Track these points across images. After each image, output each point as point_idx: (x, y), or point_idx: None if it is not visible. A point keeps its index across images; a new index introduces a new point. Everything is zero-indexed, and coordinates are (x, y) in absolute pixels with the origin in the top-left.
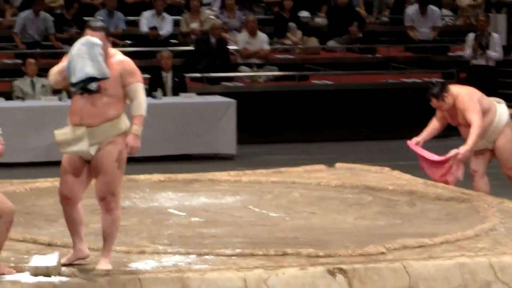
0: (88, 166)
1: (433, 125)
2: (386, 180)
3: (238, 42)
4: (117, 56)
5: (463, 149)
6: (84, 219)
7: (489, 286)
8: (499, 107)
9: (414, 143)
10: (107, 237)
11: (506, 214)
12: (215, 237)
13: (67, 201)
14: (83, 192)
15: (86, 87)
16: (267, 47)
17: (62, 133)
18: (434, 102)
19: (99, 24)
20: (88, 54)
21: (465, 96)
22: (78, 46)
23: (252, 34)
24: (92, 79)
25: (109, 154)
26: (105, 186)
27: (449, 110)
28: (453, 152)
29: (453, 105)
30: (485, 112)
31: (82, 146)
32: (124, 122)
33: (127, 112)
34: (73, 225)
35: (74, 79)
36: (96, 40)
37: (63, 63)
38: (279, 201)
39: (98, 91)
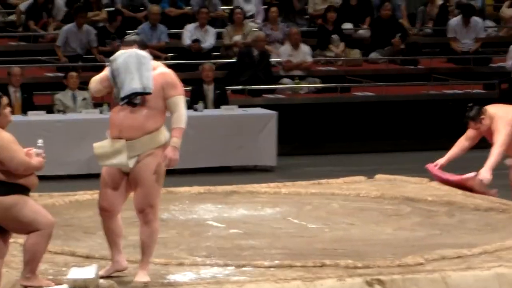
0: (127, 178)
1: (461, 145)
2: (425, 191)
3: (281, 54)
4: (159, 68)
5: (483, 173)
6: (123, 231)
7: None
8: None
9: (434, 166)
10: (145, 249)
11: None
12: (253, 249)
13: (106, 213)
14: (122, 204)
15: (131, 101)
16: (309, 59)
17: (101, 146)
18: (472, 125)
19: (132, 38)
20: (135, 67)
21: (500, 118)
22: (126, 59)
23: (295, 46)
24: (137, 93)
25: (147, 166)
26: (143, 198)
27: (486, 131)
28: (471, 174)
29: (490, 126)
30: None
31: (121, 159)
32: (164, 135)
33: (167, 124)
34: (111, 237)
35: (122, 94)
36: (144, 53)
37: (104, 72)
38: (318, 212)
39: (141, 104)
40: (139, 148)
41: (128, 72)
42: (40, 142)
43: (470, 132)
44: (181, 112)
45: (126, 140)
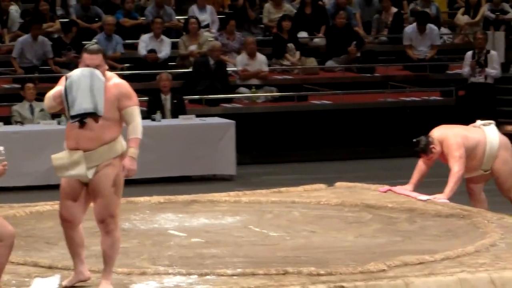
0: (86, 188)
1: (421, 170)
2: (385, 198)
3: (237, 63)
4: (114, 79)
5: (440, 198)
6: (85, 241)
7: None
8: (488, 132)
9: (384, 190)
10: (108, 259)
11: (506, 230)
12: (216, 257)
13: (68, 224)
14: (83, 214)
15: (82, 120)
16: (266, 68)
17: (59, 157)
18: (424, 157)
19: (97, 47)
20: (89, 87)
21: (449, 141)
22: (80, 77)
23: (251, 55)
24: (87, 114)
25: (106, 176)
26: (103, 208)
27: (440, 156)
28: (431, 197)
29: (442, 151)
30: (473, 148)
31: (80, 170)
32: (121, 144)
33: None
34: (73, 247)
35: (72, 112)
36: (100, 76)
37: (58, 87)
38: (279, 220)
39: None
40: (97, 158)
41: (80, 91)
42: (1, 148)
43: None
44: (137, 122)
45: (84, 151)
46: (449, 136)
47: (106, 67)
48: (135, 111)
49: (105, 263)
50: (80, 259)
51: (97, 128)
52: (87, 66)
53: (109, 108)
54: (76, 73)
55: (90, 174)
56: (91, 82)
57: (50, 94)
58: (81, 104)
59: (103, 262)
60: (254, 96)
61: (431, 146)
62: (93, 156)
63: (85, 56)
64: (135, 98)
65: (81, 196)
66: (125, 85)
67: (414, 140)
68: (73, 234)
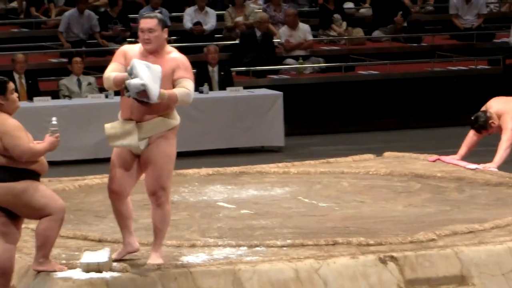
0: (138, 160)
1: (470, 141)
2: (434, 167)
3: (280, 35)
4: (174, 53)
5: (489, 166)
6: (133, 213)
7: None
8: None
9: (433, 159)
10: (158, 232)
11: None
12: (265, 229)
13: (115, 196)
14: (132, 186)
15: (138, 98)
16: (310, 37)
17: (112, 127)
18: (484, 133)
19: (153, 13)
20: (149, 72)
21: (506, 113)
22: (142, 67)
23: (293, 27)
24: (142, 91)
25: (158, 148)
26: (155, 180)
27: (499, 129)
28: (480, 166)
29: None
30: None
31: (132, 140)
32: (175, 118)
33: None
34: (122, 220)
35: (131, 94)
36: (159, 68)
37: (115, 65)
38: (328, 191)
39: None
40: (150, 130)
41: (143, 71)
42: (54, 120)
43: None
44: (186, 88)
45: (137, 122)
46: (506, 108)
47: (164, 35)
48: (188, 82)
49: (155, 236)
50: (128, 231)
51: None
52: (141, 30)
53: (165, 82)
54: (138, 64)
55: (142, 145)
56: (151, 73)
57: (111, 76)
58: (140, 81)
59: (153, 234)
60: (301, 67)
61: (490, 121)
62: (146, 127)
63: (140, 21)
64: (191, 72)
65: (132, 168)
66: (182, 58)
67: (472, 117)
68: (120, 207)
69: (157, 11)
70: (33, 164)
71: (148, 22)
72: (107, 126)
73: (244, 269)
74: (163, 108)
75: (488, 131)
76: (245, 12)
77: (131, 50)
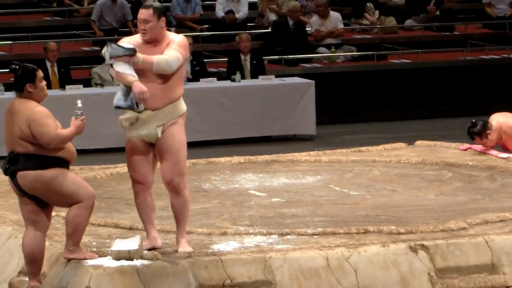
0: (153, 149)
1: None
2: (465, 156)
3: (311, 24)
4: (171, 35)
5: None
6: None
7: None
8: None
9: (464, 148)
10: (181, 219)
11: None
12: (296, 217)
13: (142, 186)
14: (153, 175)
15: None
16: (341, 25)
17: (127, 118)
18: (477, 141)
19: (149, 3)
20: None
21: (508, 126)
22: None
23: (324, 16)
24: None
25: (173, 135)
26: (173, 166)
27: (498, 143)
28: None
29: (499, 138)
30: None
31: (150, 129)
32: (183, 103)
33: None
34: (146, 212)
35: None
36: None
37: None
38: (360, 179)
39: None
40: (164, 117)
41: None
42: (79, 103)
43: None
44: (167, 55)
45: (152, 110)
46: (506, 121)
47: (161, 24)
48: (170, 50)
49: (179, 223)
50: (153, 225)
51: (163, 87)
52: (139, 21)
53: None
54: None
55: (159, 132)
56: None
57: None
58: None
59: (176, 222)
60: (333, 55)
61: (487, 131)
62: (160, 115)
63: (140, 11)
64: (182, 47)
65: (150, 157)
66: (176, 36)
67: (473, 120)
68: (146, 197)
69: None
70: (61, 152)
71: (144, 12)
72: (122, 118)
73: (274, 257)
74: (173, 94)
75: (482, 141)
76: (278, 1)
77: (133, 41)
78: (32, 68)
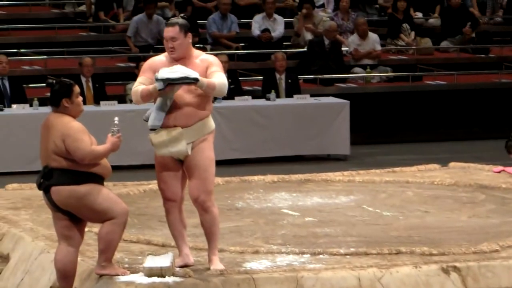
0: (182, 166)
1: None
2: (499, 179)
3: (349, 44)
4: (203, 55)
5: None
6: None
7: None
8: None
9: (498, 170)
10: (211, 236)
11: None
12: (329, 237)
13: (173, 203)
14: (183, 192)
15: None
16: (378, 47)
17: (158, 135)
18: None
19: (175, 20)
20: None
21: None
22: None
23: (363, 36)
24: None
25: (203, 152)
26: (201, 184)
27: None
28: None
29: None
30: None
31: (181, 147)
32: (212, 121)
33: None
34: (178, 229)
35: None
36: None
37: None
38: (393, 200)
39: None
40: (194, 135)
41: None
42: (116, 120)
43: None
44: (221, 78)
45: (182, 127)
46: None
47: (188, 40)
48: (222, 74)
49: (209, 241)
50: (185, 242)
51: (193, 104)
52: (165, 39)
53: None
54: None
55: (189, 150)
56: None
57: (139, 91)
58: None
59: (206, 240)
60: (369, 76)
61: None
62: (190, 132)
63: (164, 29)
64: (222, 68)
65: (179, 175)
66: (213, 58)
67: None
68: (177, 214)
69: (182, 16)
70: (96, 167)
71: (170, 30)
72: (153, 135)
73: (306, 276)
74: (203, 112)
75: None
76: (314, 20)
77: (157, 61)
78: (69, 83)
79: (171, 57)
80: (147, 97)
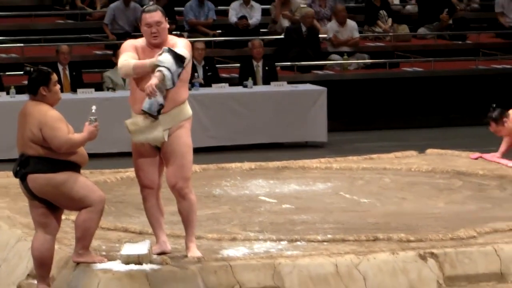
0: (159, 153)
1: (509, 139)
2: (476, 165)
3: (328, 30)
4: (173, 40)
5: None
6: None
7: None
8: None
9: (475, 157)
10: (188, 223)
11: None
12: (306, 224)
13: (150, 191)
14: (160, 179)
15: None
16: (357, 34)
17: (134, 122)
18: (493, 126)
19: (154, 6)
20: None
21: None
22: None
23: (342, 23)
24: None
25: (180, 138)
26: (178, 171)
27: (508, 134)
28: None
29: None
30: None
31: (157, 133)
32: (188, 107)
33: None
34: (156, 216)
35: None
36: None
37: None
38: (370, 187)
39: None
40: (171, 121)
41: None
42: (93, 108)
43: None
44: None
45: None
46: None
47: (167, 25)
48: (182, 49)
49: (187, 228)
50: (162, 229)
51: (169, 91)
52: (148, 24)
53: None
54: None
55: (166, 136)
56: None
57: (131, 64)
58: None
59: (184, 227)
60: (346, 63)
61: (504, 119)
62: (167, 119)
63: (144, 16)
64: (189, 49)
65: (156, 161)
66: (181, 39)
67: (493, 105)
68: (155, 202)
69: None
70: (73, 156)
71: (155, 15)
72: (129, 122)
73: (284, 263)
74: (180, 98)
75: (498, 127)
76: (291, 7)
77: (137, 43)
78: (47, 72)
79: (153, 42)
80: (140, 70)
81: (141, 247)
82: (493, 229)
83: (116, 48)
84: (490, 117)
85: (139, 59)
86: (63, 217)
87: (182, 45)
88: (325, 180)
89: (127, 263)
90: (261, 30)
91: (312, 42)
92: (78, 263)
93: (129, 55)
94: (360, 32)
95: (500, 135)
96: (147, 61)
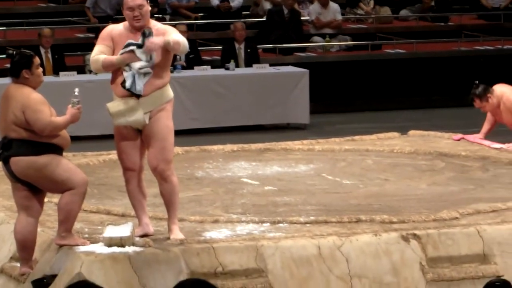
0: (140, 136)
1: (491, 119)
2: (458, 146)
3: (310, 13)
4: (158, 25)
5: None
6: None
7: None
8: None
9: (458, 138)
10: (171, 206)
11: None
12: (288, 205)
13: (133, 173)
14: (142, 161)
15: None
16: (339, 17)
17: (115, 105)
18: (477, 103)
19: None
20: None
21: (510, 97)
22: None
23: (324, 5)
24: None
25: (161, 121)
26: (159, 153)
27: (492, 111)
28: (504, 146)
29: (497, 105)
30: None
31: (138, 116)
32: (170, 90)
33: None
34: (137, 198)
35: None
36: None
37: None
38: (353, 168)
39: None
40: (151, 104)
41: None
42: (76, 91)
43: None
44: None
45: (138, 97)
46: (509, 93)
47: (149, 8)
48: (178, 35)
49: (169, 210)
50: (144, 211)
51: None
52: (131, 8)
53: (159, 53)
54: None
55: (147, 119)
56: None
57: (100, 60)
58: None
59: (166, 209)
60: (328, 45)
61: (488, 95)
62: (148, 102)
63: (126, 0)
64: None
65: (138, 144)
66: (168, 27)
67: (476, 81)
68: (137, 184)
69: None
70: (55, 138)
71: None
72: (110, 105)
73: (266, 245)
74: (161, 81)
75: (482, 104)
76: None
77: (116, 29)
78: (29, 55)
79: (135, 26)
80: (109, 66)
81: (123, 230)
82: (475, 210)
83: (98, 32)
84: (474, 94)
85: (116, 47)
86: (46, 199)
87: (174, 31)
88: (307, 162)
89: (109, 245)
90: (243, 12)
91: (294, 25)
92: (61, 246)
93: (101, 49)
94: (342, 14)
95: (484, 111)
96: (114, 58)
